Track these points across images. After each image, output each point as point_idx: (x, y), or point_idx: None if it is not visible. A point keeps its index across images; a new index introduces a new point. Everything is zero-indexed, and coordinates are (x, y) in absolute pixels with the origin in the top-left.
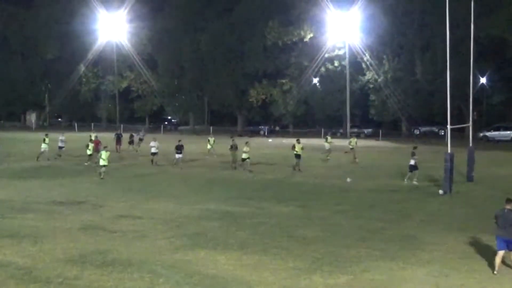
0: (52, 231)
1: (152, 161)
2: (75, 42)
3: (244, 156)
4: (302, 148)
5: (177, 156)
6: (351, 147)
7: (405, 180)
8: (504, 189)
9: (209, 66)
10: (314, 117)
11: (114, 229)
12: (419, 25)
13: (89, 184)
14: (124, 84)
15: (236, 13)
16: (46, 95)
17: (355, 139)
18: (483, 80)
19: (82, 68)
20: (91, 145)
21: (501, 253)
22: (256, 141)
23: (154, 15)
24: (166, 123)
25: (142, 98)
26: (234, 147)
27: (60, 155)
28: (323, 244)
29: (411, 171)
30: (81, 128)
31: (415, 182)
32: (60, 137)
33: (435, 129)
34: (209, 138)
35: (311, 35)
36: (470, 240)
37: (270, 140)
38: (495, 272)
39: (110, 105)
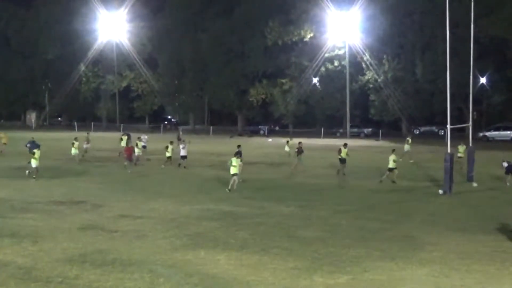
0: (52, 231)
1: (179, 164)
2: (76, 42)
3: (391, 165)
4: (347, 154)
5: None
6: (459, 155)
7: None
8: (504, 189)
9: (210, 66)
10: (314, 117)
11: (114, 229)
12: (419, 25)
13: (89, 184)
14: (124, 84)
15: (236, 13)
16: (46, 95)
17: (464, 147)
18: (483, 80)
19: (82, 67)
20: (170, 147)
21: None
22: (256, 141)
23: (154, 15)
24: (166, 122)
25: (142, 98)
26: (300, 151)
27: (148, 159)
28: (323, 244)
29: None
30: (81, 128)
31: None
32: (142, 137)
33: (435, 129)
34: (288, 140)
35: (311, 35)
36: (470, 240)
37: (270, 140)
38: None
39: (110, 105)
